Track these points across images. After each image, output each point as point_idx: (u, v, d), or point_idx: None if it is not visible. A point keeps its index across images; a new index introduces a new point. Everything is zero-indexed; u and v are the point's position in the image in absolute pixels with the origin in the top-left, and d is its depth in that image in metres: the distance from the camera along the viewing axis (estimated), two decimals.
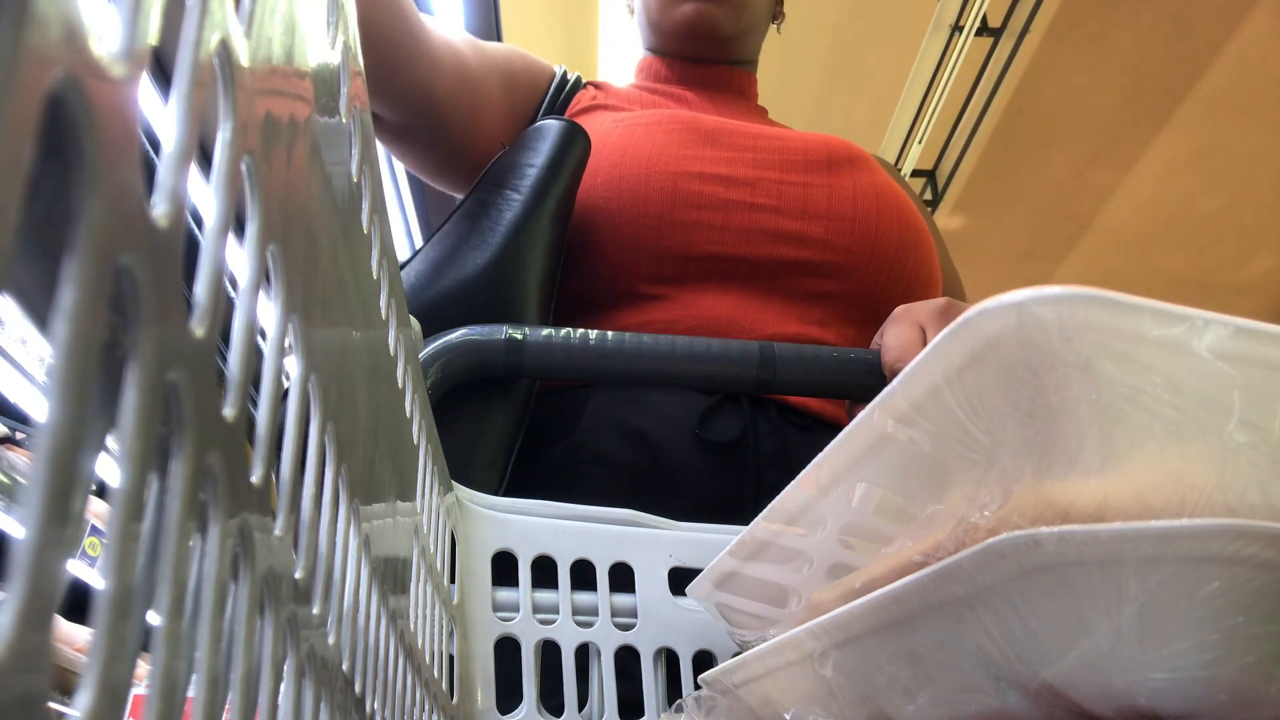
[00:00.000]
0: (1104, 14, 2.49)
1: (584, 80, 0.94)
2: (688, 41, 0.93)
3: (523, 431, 0.70)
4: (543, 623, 0.56)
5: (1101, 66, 2.63)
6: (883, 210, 0.80)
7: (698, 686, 0.49)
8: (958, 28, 2.53)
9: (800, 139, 0.84)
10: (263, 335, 0.20)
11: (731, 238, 0.76)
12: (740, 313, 0.75)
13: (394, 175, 2.13)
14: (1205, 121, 2.78)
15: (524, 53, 0.92)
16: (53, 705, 0.12)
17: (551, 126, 0.75)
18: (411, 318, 0.42)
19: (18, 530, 0.10)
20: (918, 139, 2.85)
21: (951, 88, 2.66)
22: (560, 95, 0.90)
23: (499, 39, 2.28)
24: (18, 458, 2.43)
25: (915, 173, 2.99)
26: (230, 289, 0.16)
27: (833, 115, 2.87)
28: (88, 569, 2.44)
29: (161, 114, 0.14)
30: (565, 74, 0.93)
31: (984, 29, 2.50)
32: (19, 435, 2.53)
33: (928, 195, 3.07)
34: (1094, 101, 2.75)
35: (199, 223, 0.16)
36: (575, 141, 0.74)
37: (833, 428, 0.74)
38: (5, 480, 2.33)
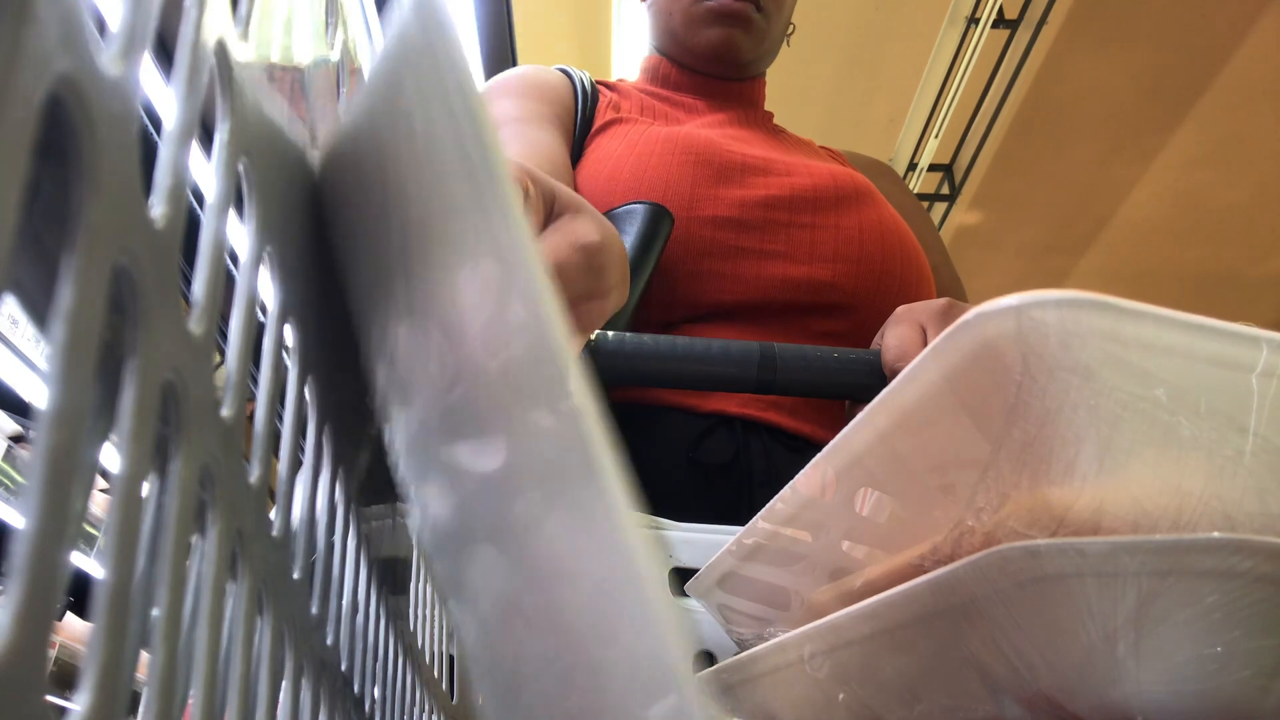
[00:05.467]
0: (1123, 3, 2.45)
1: (592, 80, 0.94)
2: (711, 64, 0.94)
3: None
4: None
5: (1121, 57, 2.59)
6: (887, 249, 0.81)
7: None
8: (974, 20, 2.51)
9: (808, 174, 0.85)
10: (261, 334, 0.20)
11: (740, 286, 0.78)
12: None
13: None
14: (1227, 113, 2.73)
15: (546, 80, 0.91)
16: (58, 701, 0.12)
17: (638, 211, 0.76)
18: None
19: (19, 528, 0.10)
20: (934, 133, 2.82)
21: (968, 81, 2.63)
22: (586, 110, 0.91)
23: (511, 36, 2.26)
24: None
25: (933, 166, 2.95)
26: (229, 282, 0.16)
27: (849, 109, 2.85)
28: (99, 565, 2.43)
29: (162, 109, 0.14)
30: (581, 84, 0.93)
31: (1000, 21, 2.48)
32: (33, 433, 2.53)
33: (945, 189, 3.03)
34: (1113, 93, 2.70)
35: (197, 222, 0.16)
36: (661, 224, 0.76)
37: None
38: (19, 478, 2.33)
